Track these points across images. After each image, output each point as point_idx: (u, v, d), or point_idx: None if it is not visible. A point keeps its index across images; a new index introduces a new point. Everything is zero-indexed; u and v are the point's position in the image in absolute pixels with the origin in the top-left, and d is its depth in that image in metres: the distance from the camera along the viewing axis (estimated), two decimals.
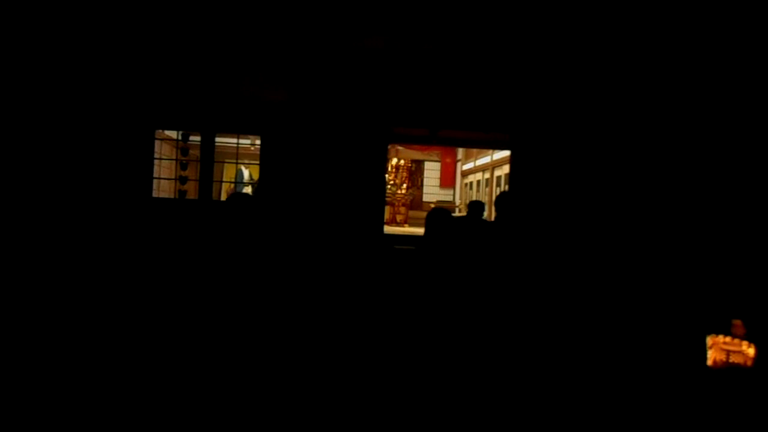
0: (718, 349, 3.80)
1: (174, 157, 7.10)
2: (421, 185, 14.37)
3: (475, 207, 4.66)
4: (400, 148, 12.27)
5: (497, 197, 4.33)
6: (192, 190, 6.73)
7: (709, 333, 3.87)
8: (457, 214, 11.35)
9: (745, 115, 5.37)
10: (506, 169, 9.51)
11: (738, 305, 4.80)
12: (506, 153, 8.52)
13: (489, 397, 3.29)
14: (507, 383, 3.47)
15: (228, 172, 10.38)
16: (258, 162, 5.73)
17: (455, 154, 14.38)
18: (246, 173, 10.75)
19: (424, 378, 3.45)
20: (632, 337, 4.39)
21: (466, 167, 14.03)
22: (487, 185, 12.31)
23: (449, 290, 3.73)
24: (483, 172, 12.73)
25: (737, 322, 3.77)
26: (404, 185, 12.68)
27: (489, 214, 9.37)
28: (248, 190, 10.69)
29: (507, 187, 9.55)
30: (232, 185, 10.83)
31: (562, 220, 5.53)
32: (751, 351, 3.63)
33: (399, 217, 11.95)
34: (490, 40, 5.58)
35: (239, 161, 6.81)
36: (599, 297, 4.99)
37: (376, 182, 5.74)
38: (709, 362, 3.81)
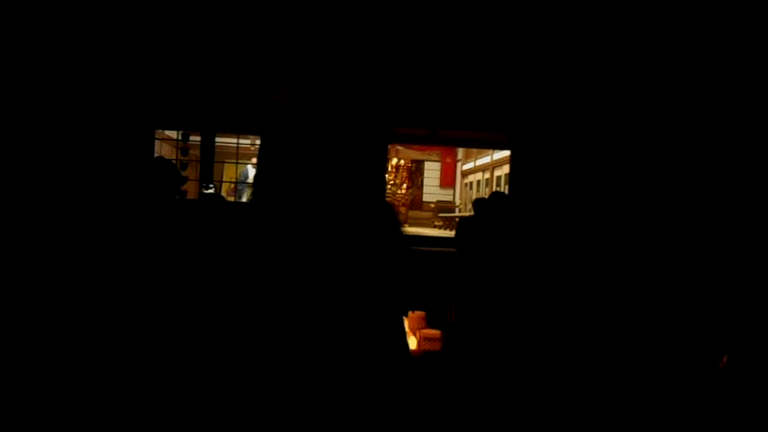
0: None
1: (174, 157, 7.11)
2: (421, 185, 14.37)
3: (480, 205, 4.66)
4: (400, 148, 12.27)
5: (489, 197, 4.34)
6: (192, 190, 6.72)
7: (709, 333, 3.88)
8: (457, 213, 11.36)
9: (745, 115, 5.37)
10: (506, 169, 9.51)
11: (738, 307, 4.80)
12: (506, 153, 8.52)
13: (492, 397, 3.29)
14: (511, 383, 3.48)
15: (228, 172, 10.38)
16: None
17: (455, 154, 14.39)
18: (252, 172, 10.71)
19: (424, 378, 3.45)
20: (633, 337, 4.39)
21: (466, 167, 14.04)
22: (487, 185, 12.32)
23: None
24: (483, 172, 12.74)
25: None
26: (404, 185, 12.68)
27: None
28: (251, 189, 10.65)
29: (507, 188, 9.55)
30: (232, 185, 10.83)
31: (562, 220, 5.53)
32: None
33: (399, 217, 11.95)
34: (489, 40, 5.58)
35: (244, 160, 6.81)
36: (599, 297, 4.99)
37: (376, 182, 5.73)
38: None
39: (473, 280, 4.06)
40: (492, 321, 3.81)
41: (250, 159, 10.03)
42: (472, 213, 4.85)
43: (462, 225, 4.73)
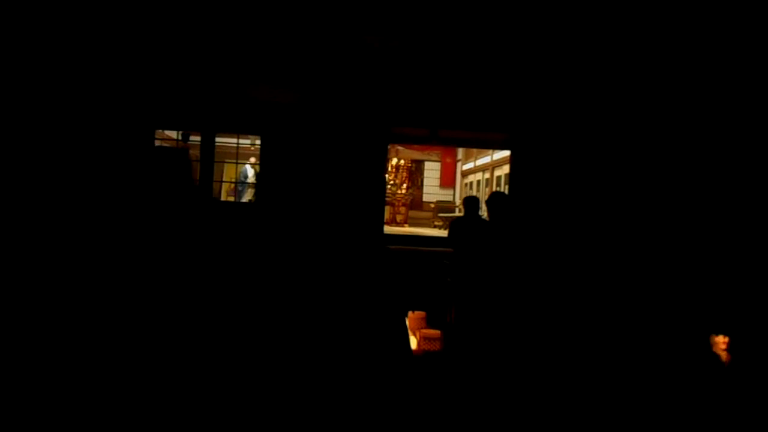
0: (718, 349, 3.80)
1: None
2: (421, 185, 14.36)
3: (470, 203, 4.64)
4: (400, 148, 12.26)
5: (489, 197, 4.34)
6: None
7: (710, 333, 3.88)
8: (457, 213, 11.35)
9: (745, 115, 5.36)
10: (506, 169, 9.51)
11: (737, 305, 4.80)
12: (506, 153, 8.51)
13: (490, 395, 3.28)
14: (508, 381, 3.47)
15: (228, 172, 10.37)
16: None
17: (455, 154, 14.39)
18: (251, 172, 10.66)
19: (425, 378, 3.45)
20: (632, 337, 4.39)
21: (466, 167, 14.05)
22: (487, 185, 12.32)
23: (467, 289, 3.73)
24: (483, 172, 12.75)
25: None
26: (404, 185, 12.66)
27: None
28: (251, 189, 10.62)
29: (507, 188, 9.55)
30: (232, 185, 10.81)
31: (562, 220, 5.53)
32: None
33: (399, 217, 11.94)
34: (489, 40, 5.58)
35: (243, 160, 6.80)
36: (599, 296, 4.99)
37: (376, 182, 5.73)
38: None
39: (471, 279, 4.05)
40: (491, 321, 3.80)
41: (248, 159, 10.03)
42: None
43: (454, 225, 4.72)
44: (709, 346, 3.83)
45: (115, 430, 2.70)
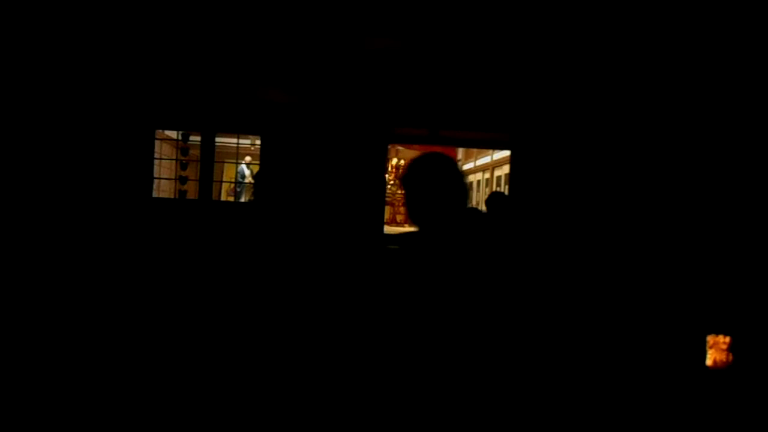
0: (718, 349, 3.80)
1: (174, 157, 7.11)
2: None
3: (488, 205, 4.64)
4: (400, 148, 12.27)
5: (489, 197, 4.33)
6: (192, 190, 6.72)
7: (709, 333, 3.88)
8: None
9: (745, 115, 5.36)
10: (506, 169, 9.52)
11: (738, 305, 4.80)
12: (506, 153, 8.52)
13: (489, 397, 3.28)
14: (507, 383, 3.47)
15: (228, 172, 10.38)
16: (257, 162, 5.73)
17: (455, 154, 14.39)
18: (247, 171, 10.69)
19: (424, 378, 3.45)
20: (632, 337, 4.39)
21: (466, 167, 14.05)
22: (487, 185, 12.33)
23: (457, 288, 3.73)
24: (483, 172, 12.75)
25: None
26: None
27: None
28: (251, 189, 10.65)
29: (507, 188, 9.55)
30: (232, 185, 10.82)
31: (562, 220, 5.53)
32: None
33: (399, 217, 11.95)
34: (489, 41, 5.58)
35: (240, 160, 6.80)
36: (599, 297, 4.99)
37: (376, 182, 5.74)
38: (709, 362, 3.82)
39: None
40: (492, 321, 3.80)
41: (243, 158, 10.04)
42: None
43: None
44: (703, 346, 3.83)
45: (114, 430, 2.70)
